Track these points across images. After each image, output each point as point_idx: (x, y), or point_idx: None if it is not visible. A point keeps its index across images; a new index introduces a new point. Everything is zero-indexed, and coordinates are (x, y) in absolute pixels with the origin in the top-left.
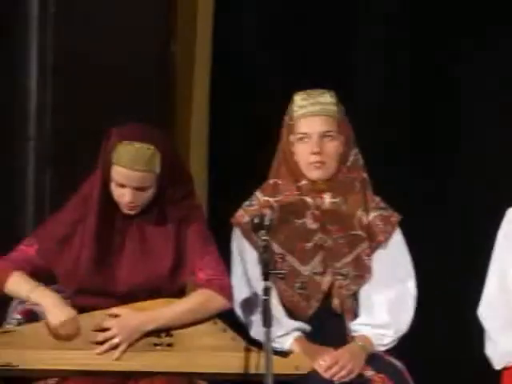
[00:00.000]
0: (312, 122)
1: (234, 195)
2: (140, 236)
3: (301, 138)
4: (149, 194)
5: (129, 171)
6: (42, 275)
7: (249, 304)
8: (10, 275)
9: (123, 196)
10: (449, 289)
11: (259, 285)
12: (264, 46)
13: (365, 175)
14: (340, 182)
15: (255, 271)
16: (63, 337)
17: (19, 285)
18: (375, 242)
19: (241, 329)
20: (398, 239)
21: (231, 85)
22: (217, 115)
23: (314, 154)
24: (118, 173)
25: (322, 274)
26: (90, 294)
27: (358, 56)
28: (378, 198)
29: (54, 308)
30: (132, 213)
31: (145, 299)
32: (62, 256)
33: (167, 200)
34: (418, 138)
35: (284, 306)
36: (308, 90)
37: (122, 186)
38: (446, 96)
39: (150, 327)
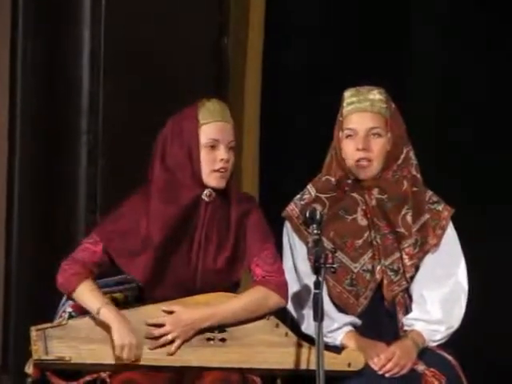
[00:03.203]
0: (359, 118)
1: (284, 188)
2: (209, 226)
3: (348, 135)
4: (232, 160)
5: (221, 123)
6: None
7: (299, 298)
8: (81, 283)
9: (216, 157)
10: None
11: (309, 279)
12: (316, 38)
13: (415, 173)
14: (387, 180)
15: (304, 266)
16: (121, 359)
17: (89, 298)
18: (429, 245)
19: (292, 324)
20: (449, 233)
21: (283, 77)
22: (268, 108)
23: (359, 150)
24: (210, 130)
25: (372, 270)
26: (159, 286)
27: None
28: (430, 193)
29: (121, 329)
30: (222, 181)
31: (201, 292)
32: (128, 248)
33: (234, 191)
34: None
35: (333, 301)
36: (358, 87)
37: (213, 146)
38: None
39: (205, 325)
